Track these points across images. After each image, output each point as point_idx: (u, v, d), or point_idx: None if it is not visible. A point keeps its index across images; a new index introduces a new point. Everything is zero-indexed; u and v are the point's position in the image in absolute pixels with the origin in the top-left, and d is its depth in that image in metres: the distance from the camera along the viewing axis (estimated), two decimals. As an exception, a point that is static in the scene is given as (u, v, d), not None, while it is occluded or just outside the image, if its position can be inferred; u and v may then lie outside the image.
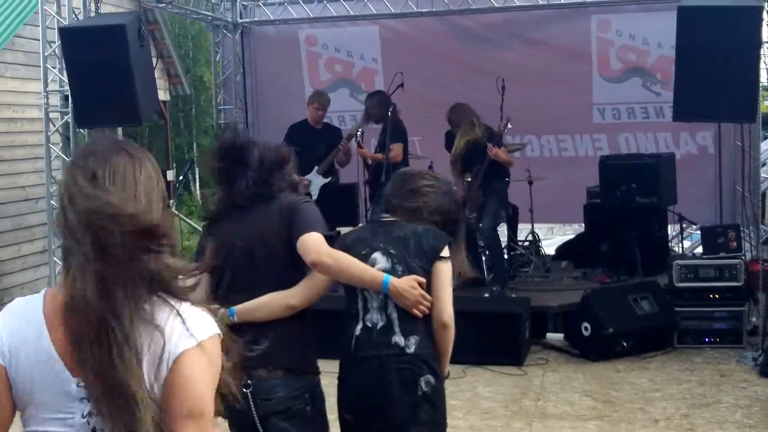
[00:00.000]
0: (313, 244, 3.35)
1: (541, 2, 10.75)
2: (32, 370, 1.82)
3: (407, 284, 3.47)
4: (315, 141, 9.35)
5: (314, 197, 8.61)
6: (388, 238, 3.61)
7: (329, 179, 9.27)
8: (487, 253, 9.38)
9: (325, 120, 9.74)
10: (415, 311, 3.47)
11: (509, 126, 8.81)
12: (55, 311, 1.83)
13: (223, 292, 3.45)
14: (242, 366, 3.24)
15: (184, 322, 1.83)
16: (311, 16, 11.44)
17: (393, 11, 11.01)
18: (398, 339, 3.47)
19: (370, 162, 9.44)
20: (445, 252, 3.55)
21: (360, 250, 3.57)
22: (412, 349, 3.46)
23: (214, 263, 3.50)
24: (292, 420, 3.38)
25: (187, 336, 1.82)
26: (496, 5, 10.78)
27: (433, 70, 11.02)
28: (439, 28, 11.20)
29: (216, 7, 11.50)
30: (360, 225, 4.03)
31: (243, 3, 11.72)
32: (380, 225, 3.72)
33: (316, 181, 9.21)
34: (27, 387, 1.84)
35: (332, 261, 3.37)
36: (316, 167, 9.27)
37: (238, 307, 3.41)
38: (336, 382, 3.63)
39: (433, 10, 10.96)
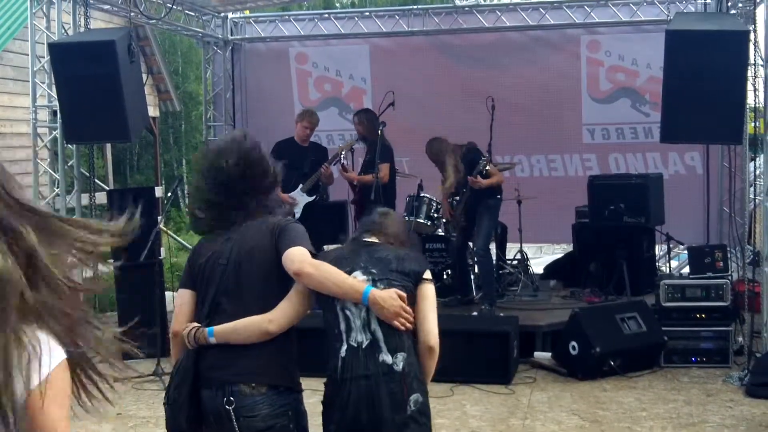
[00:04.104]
0: (298, 254, 3.39)
1: (531, 23, 10.83)
2: None
3: (387, 295, 3.48)
4: (301, 159, 9.30)
5: (298, 215, 8.57)
6: (369, 258, 3.64)
7: (314, 197, 9.25)
8: (476, 271, 9.39)
9: (313, 139, 9.69)
10: (396, 323, 3.46)
11: (488, 167, 8.69)
12: None
13: (206, 310, 3.46)
14: (224, 382, 3.25)
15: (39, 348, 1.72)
16: (302, 33, 11.47)
17: (384, 30, 11.06)
18: (385, 357, 3.44)
19: (355, 183, 9.41)
20: (427, 274, 3.60)
21: (341, 268, 3.56)
22: (400, 366, 3.44)
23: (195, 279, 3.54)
24: None
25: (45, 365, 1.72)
26: (487, 25, 10.85)
27: (423, 89, 11.06)
28: (430, 48, 11.24)
29: (207, 23, 11.53)
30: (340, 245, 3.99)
31: (234, 20, 11.76)
32: (362, 245, 3.75)
33: (300, 199, 9.19)
34: None
35: (315, 270, 3.41)
36: (301, 185, 9.25)
37: (217, 328, 3.40)
38: (320, 399, 3.58)
39: (424, 29, 11.02)
